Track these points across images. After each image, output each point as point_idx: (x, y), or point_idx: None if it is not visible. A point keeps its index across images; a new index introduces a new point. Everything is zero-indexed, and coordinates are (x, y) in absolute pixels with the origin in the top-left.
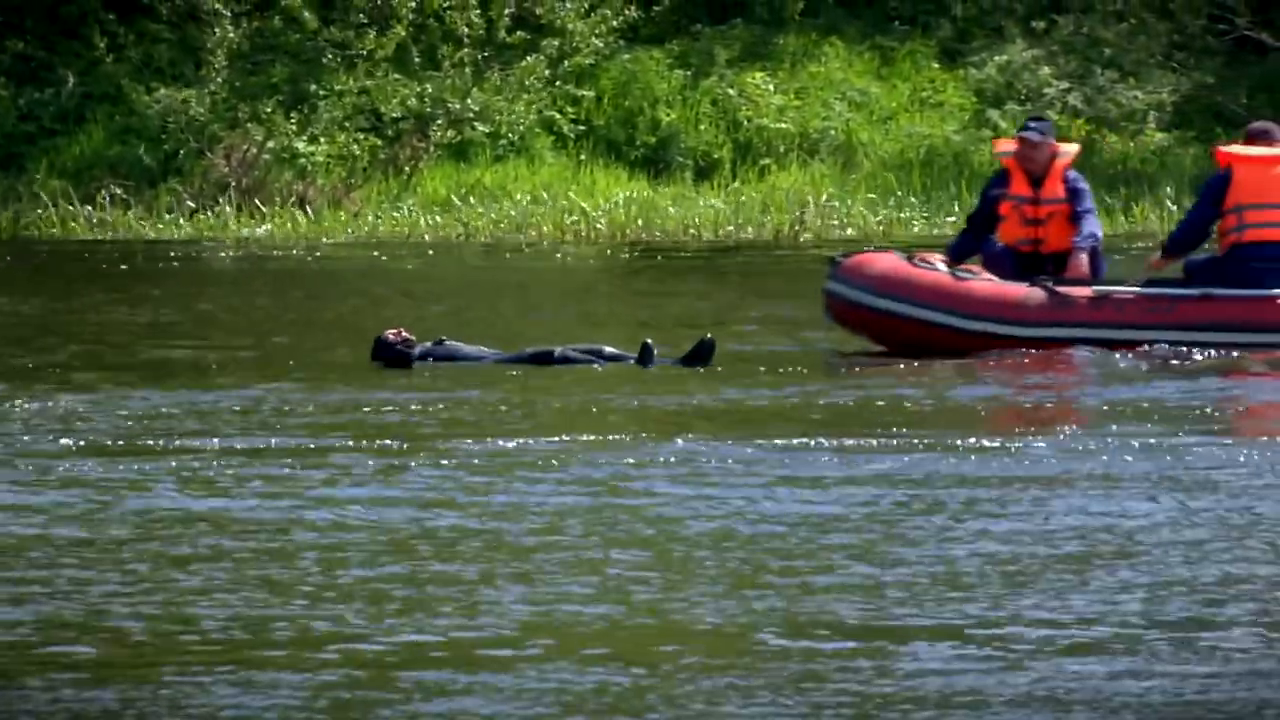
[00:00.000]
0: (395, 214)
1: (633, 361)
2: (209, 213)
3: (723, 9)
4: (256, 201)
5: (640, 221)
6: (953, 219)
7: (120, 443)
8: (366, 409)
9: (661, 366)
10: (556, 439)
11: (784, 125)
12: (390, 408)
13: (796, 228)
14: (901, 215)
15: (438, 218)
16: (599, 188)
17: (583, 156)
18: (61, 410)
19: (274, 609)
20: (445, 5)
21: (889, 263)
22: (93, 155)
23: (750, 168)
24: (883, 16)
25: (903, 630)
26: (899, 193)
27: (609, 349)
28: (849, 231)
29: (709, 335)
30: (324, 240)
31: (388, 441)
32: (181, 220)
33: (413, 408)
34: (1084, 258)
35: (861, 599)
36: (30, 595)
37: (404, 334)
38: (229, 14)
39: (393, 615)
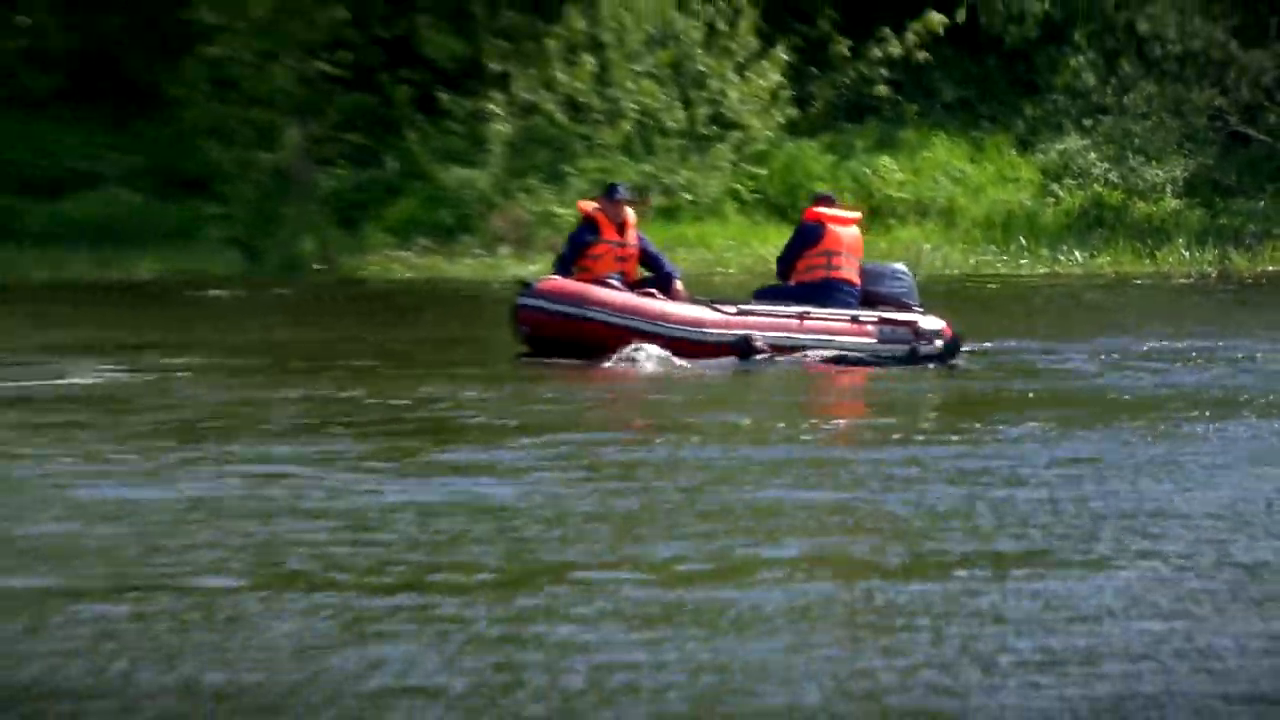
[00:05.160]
0: None
1: (941, 350)
2: (492, 258)
3: (859, 111)
4: (526, 251)
5: None
6: (1025, 261)
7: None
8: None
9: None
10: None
11: (904, 195)
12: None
13: (917, 263)
14: (985, 259)
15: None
16: (770, 239)
17: (758, 217)
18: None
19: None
20: (658, 107)
21: (585, 286)
22: (408, 217)
23: (880, 225)
24: (976, 116)
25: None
26: (984, 243)
27: (923, 347)
28: (951, 271)
29: (958, 334)
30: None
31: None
32: (471, 263)
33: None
34: (680, 284)
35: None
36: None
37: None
38: (504, 114)
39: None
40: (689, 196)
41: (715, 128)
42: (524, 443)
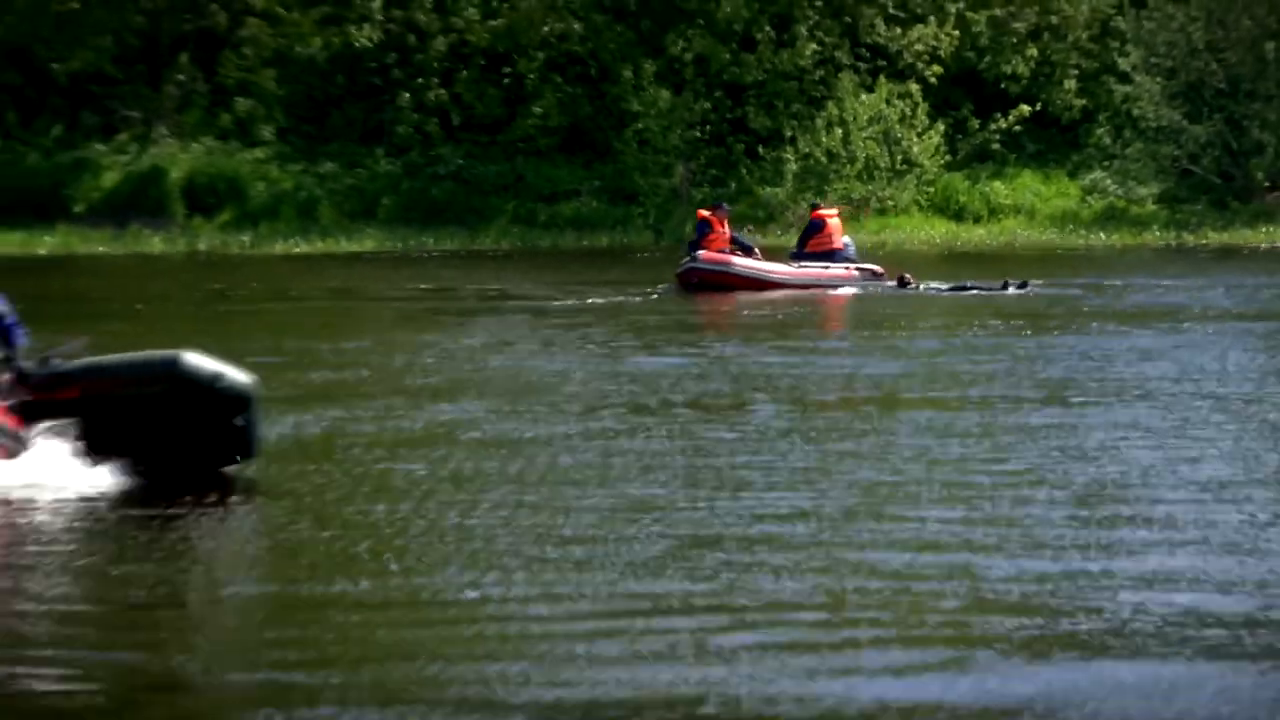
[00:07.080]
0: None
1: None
2: (786, 236)
3: (984, 157)
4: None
5: (958, 241)
6: (1072, 239)
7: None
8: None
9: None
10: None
11: (1008, 203)
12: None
13: (1013, 241)
14: (1050, 238)
15: (882, 237)
16: (936, 228)
17: (930, 214)
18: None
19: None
20: (875, 155)
21: (726, 254)
22: (742, 213)
23: (995, 219)
24: (1047, 160)
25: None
26: (1050, 229)
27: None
28: (1032, 244)
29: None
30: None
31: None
32: (774, 238)
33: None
34: (759, 252)
35: None
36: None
37: (905, 277)
38: (793, 159)
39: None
40: (891, 204)
41: (905, 165)
42: (842, 333)
